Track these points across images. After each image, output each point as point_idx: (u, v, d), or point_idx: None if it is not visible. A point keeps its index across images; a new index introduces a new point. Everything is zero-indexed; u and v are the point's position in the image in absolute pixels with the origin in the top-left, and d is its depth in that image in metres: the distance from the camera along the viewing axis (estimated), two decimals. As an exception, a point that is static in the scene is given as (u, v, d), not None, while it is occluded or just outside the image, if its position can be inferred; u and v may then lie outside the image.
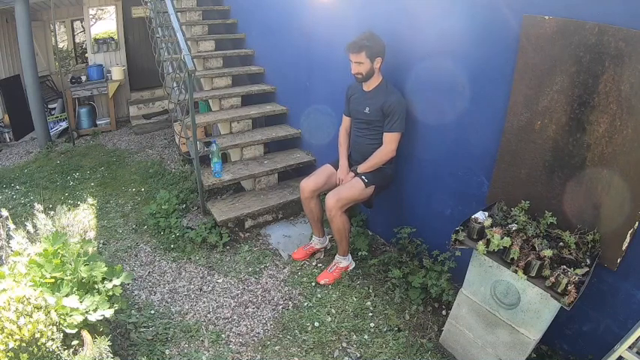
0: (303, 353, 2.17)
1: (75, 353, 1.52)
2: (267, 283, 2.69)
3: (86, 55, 6.24)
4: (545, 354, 2.04)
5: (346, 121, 2.72)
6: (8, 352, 1.37)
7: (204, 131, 4.59)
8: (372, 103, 2.45)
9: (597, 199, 1.74)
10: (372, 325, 2.34)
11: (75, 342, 1.60)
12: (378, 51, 2.35)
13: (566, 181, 1.83)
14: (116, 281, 1.85)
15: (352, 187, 2.48)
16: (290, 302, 2.52)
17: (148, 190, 3.98)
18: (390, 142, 2.44)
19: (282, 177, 3.58)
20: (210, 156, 3.23)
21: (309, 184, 2.63)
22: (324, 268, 2.73)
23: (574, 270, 1.59)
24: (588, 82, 1.67)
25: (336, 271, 2.67)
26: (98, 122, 6.02)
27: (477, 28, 2.08)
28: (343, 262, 2.70)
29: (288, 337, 2.27)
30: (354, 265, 2.77)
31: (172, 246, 3.04)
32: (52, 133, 5.48)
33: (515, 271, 1.67)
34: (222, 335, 2.28)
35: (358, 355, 2.16)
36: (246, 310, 2.47)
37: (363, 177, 2.48)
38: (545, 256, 1.64)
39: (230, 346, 2.22)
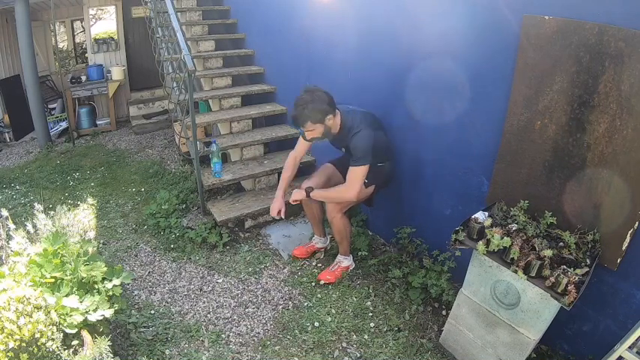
0: (303, 353, 2.17)
1: (75, 353, 1.52)
2: (267, 283, 2.69)
3: (86, 55, 6.23)
4: (545, 354, 2.04)
5: (301, 145, 2.52)
6: (8, 352, 1.37)
7: (204, 131, 4.59)
8: (343, 144, 2.45)
9: (597, 199, 1.74)
10: (372, 325, 2.34)
11: (75, 342, 1.60)
12: (322, 112, 2.17)
13: (566, 181, 1.83)
14: (116, 281, 1.84)
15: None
16: (290, 302, 2.52)
17: (148, 190, 3.98)
18: (353, 178, 2.27)
19: (282, 177, 3.58)
20: (210, 156, 3.23)
21: (308, 184, 2.62)
22: (325, 268, 2.73)
23: (574, 270, 1.59)
24: (588, 82, 1.67)
25: (338, 271, 2.67)
26: (98, 122, 6.01)
27: (477, 28, 2.08)
28: (345, 262, 2.70)
29: (288, 337, 2.27)
30: (354, 266, 2.77)
31: (172, 246, 3.04)
32: (52, 133, 5.48)
33: (515, 271, 1.67)
34: (222, 335, 2.28)
35: (358, 355, 2.16)
36: (246, 310, 2.47)
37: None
38: (545, 256, 1.64)
39: (230, 346, 2.22)
